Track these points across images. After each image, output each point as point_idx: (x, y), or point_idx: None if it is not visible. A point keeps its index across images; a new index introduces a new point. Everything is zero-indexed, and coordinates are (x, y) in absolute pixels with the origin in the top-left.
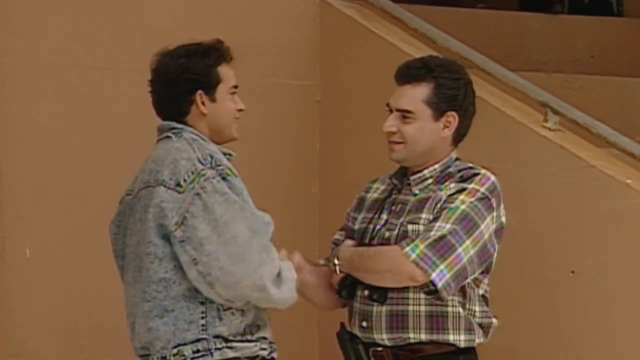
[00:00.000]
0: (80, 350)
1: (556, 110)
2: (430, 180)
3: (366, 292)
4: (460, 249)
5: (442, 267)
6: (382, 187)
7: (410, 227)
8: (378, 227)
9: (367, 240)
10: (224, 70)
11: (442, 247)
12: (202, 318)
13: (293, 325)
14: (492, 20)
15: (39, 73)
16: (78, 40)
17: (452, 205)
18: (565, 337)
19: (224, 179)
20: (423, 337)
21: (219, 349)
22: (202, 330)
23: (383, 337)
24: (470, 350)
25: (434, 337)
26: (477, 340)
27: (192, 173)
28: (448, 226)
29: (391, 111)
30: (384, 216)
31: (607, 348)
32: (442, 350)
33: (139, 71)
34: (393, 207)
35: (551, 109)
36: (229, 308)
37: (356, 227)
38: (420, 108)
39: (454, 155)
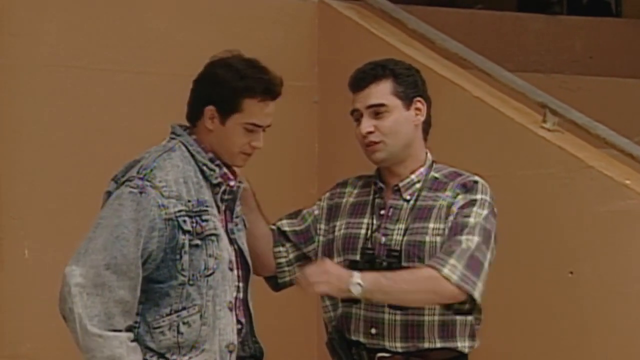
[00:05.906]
0: (77, 353)
1: (555, 110)
2: (418, 185)
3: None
4: (485, 263)
5: (479, 284)
6: (356, 191)
7: (427, 238)
8: (370, 232)
9: (359, 245)
10: (250, 103)
11: (475, 264)
12: (135, 328)
13: (292, 327)
14: (490, 20)
15: (37, 74)
16: (75, 42)
17: (471, 219)
18: (564, 338)
19: (140, 192)
20: (438, 344)
21: None
22: (135, 339)
23: (396, 345)
24: (467, 357)
25: (446, 344)
26: (475, 346)
27: (129, 175)
28: (475, 240)
29: (360, 117)
30: (374, 221)
31: (606, 349)
32: (450, 356)
33: (135, 72)
34: (383, 212)
35: (550, 109)
36: (159, 327)
37: (336, 234)
38: (391, 100)
39: (430, 157)
